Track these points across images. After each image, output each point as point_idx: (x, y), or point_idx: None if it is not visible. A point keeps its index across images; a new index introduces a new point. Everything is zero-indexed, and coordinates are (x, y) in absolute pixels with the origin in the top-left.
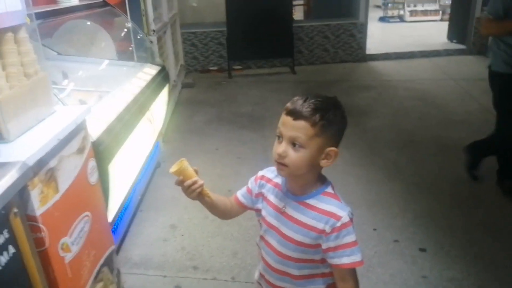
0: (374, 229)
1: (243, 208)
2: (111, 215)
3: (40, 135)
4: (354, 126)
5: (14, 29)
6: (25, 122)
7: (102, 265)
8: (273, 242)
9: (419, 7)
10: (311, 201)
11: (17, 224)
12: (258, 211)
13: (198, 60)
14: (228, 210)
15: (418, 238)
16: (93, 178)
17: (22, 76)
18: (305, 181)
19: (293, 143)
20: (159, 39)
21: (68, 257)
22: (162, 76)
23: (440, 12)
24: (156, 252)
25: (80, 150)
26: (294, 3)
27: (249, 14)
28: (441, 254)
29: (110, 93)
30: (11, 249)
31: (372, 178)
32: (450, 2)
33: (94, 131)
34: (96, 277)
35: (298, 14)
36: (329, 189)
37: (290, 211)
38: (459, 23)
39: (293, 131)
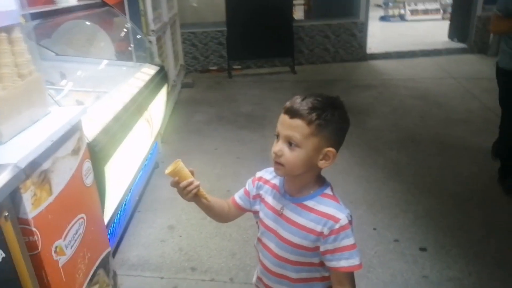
0: (374, 229)
1: (240, 210)
2: (107, 217)
3: (33, 136)
4: (354, 125)
5: (8, 29)
6: (19, 123)
7: (98, 268)
8: (270, 245)
9: (420, 6)
10: (309, 203)
11: (8, 228)
12: (256, 213)
13: (198, 60)
14: (226, 212)
15: (419, 237)
16: (89, 179)
17: (16, 77)
18: (303, 182)
19: (289, 142)
20: (159, 39)
21: (62, 260)
22: (161, 76)
23: (441, 11)
24: (153, 253)
25: (75, 151)
26: (295, 2)
27: (249, 14)
28: (442, 254)
29: (108, 93)
30: (1, 254)
31: (373, 177)
32: (451, 1)
33: (90, 132)
34: (91, 280)
35: (298, 13)
36: (328, 191)
37: (288, 213)
38: (460, 22)
39: (289, 130)
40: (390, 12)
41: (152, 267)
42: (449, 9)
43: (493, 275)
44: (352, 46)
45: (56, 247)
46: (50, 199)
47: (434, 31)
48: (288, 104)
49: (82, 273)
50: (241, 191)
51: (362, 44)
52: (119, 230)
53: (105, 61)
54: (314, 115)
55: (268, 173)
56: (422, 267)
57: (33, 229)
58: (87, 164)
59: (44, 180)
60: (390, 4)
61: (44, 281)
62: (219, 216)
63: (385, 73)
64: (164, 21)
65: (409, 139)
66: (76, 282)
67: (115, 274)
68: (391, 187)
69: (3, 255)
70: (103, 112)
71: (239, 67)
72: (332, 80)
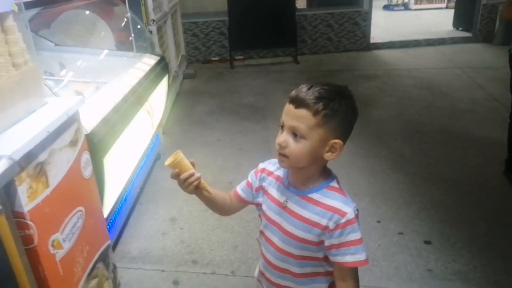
0: (378, 221)
1: (243, 203)
2: (107, 209)
3: (29, 127)
4: (358, 116)
5: (0, 17)
6: (14, 114)
7: (97, 261)
8: (273, 238)
9: None
10: (315, 196)
11: (2, 222)
12: (259, 206)
13: (200, 50)
14: (228, 205)
15: (423, 230)
16: (87, 171)
17: (11, 67)
18: (308, 174)
19: (294, 133)
20: (159, 29)
21: (60, 254)
22: (161, 67)
23: None
24: (154, 246)
25: (73, 143)
26: None
27: (251, 3)
28: (447, 247)
29: (107, 84)
30: None
31: (377, 169)
32: None
33: (89, 123)
34: (90, 274)
35: (300, 2)
36: (334, 184)
37: (292, 206)
38: (465, 10)
39: (294, 120)
40: (394, 1)
41: (153, 259)
42: None
43: (499, 269)
44: (356, 36)
45: (53, 241)
46: (47, 191)
47: (439, 20)
48: (293, 93)
49: (81, 267)
50: (243, 183)
51: (366, 33)
52: (119, 223)
53: (105, 51)
54: (320, 105)
55: (271, 165)
56: (427, 261)
57: (29, 222)
58: (86, 156)
59: (41, 172)
60: None
61: (41, 275)
62: (221, 208)
63: (389, 63)
64: (165, 10)
65: (413, 129)
66: (75, 276)
67: (115, 267)
68: (395, 178)
69: None
70: (102, 103)
71: (241, 57)
72: (335, 70)
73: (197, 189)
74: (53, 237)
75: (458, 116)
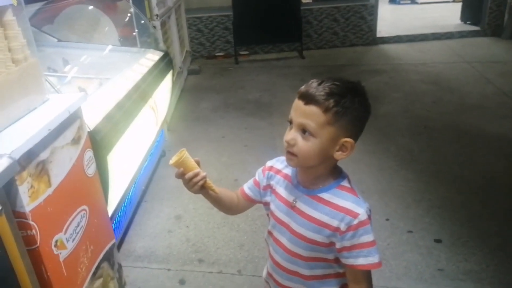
0: (387, 220)
1: (250, 202)
2: (111, 208)
3: (29, 125)
4: None
5: None
6: (14, 111)
7: (102, 261)
8: (282, 239)
9: None
10: (325, 195)
11: (2, 223)
12: (267, 205)
13: (204, 46)
14: (235, 204)
15: (433, 228)
16: (91, 169)
17: (10, 63)
18: (317, 173)
19: (303, 131)
20: (163, 25)
21: (63, 254)
22: (166, 62)
23: None
24: (160, 244)
25: (75, 141)
26: None
27: None
28: (458, 245)
29: (111, 80)
30: None
31: (385, 166)
32: None
33: (92, 120)
34: (95, 274)
35: None
36: (345, 183)
37: (301, 206)
38: (473, 3)
39: (303, 117)
40: None
41: (159, 258)
42: None
43: None
44: (362, 30)
45: (56, 241)
46: (49, 191)
47: (446, 13)
48: (303, 88)
49: (85, 267)
50: (251, 182)
51: (372, 27)
52: (124, 221)
53: (108, 47)
54: (331, 102)
55: (279, 163)
56: (437, 260)
57: (31, 222)
58: (89, 154)
59: (42, 171)
60: None
61: (44, 276)
62: (228, 208)
63: (395, 58)
64: (169, 5)
65: (421, 125)
66: (79, 276)
67: (120, 267)
68: (404, 175)
69: None
70: (106, 99)
71: (246, 52)
72: (341, 65)
73: (202, 189)
74: (56, 237)
75: (467, 112)
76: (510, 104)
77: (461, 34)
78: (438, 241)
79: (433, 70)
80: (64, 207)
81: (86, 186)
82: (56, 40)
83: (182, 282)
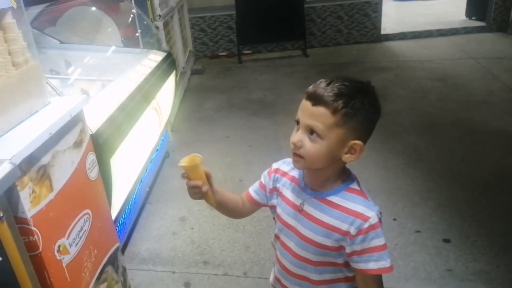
0: (394, 219)
1: (256, 205)
2: (115, 211)
3: (30, 129)
4: None
5: None
6: (15, 115)
7: (106, 265)
8: (289, 243)
9: None
10: (334, 198)
11: (4, 229)
12: (273, 208)
13: (207, 45)
14: (240, 209)
15: (442, 228)
16: (93, 173)
17: (10, 66)
18: (324, 176)
19: (311, 132)
20: (166, 25)
21: (66, 259)
22: (168, 63)
23: None
24: (165, 247)
25: (78, 144)
26: None
27: None
28: (467, 245)
29: (113, 81)
30: None
31: (391, 164)
32: None
33: (94, 122)
34: (99, 278)
35: None
36: (355, 185)
37: (309, 209)
38: None
39: (311, 118)
40: None
41: (164, 261)
42: None
43: None
44: (366, 27)
45: (59, 246)
46: (51, 195)
47: (451, 9)
48: (311, 88)
49: (89, 272)
50: (256, 185)
51: (377, 24)
52: (128, 224)
53: (111, 48)
54: (340, 103)
55: (285, 165)
56: (446, 260)
57: (33, 228)
58: (91, 157)
59: (44, 175)
60: None
61: (47, 282)
62: (233, 212)
63: (400, 55)
64: (171, 5)
65: (428, 123)
66: (82, 281)
67: (124, 270)
68: (411, 174)
69: (0, 258)
70: (108, 101)
71: (249, 51)
72: (346, 63)
73: (202, 197)
74: (59, 242)
75: (474, 108)
76: None
77: (466, 30)
78: (446, 240)
79: (438, 67)
80: (66, 212)
81: (89, 189)
82: (58, 42)
83: (187, 285)
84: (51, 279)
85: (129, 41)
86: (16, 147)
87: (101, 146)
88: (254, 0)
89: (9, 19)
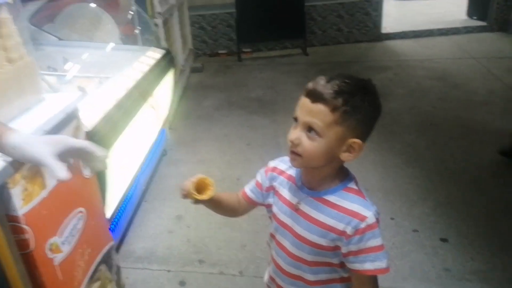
0: (392, 218)
1: (252, 204)
2: (110, 209)
3: (24, 126)
4: None
5: None
6: (8, 112)
7: (99, 264)
8: (285, 243)
9: None
10: (331, 198)
11: None
12: (269, 207)
13: (207, 43)
14: (236, 208)
15: (439, 227)
16: (88, 171)
17: (5, 62)
18: (322, 175)
19: (309, 130)
20: (165, 22)
21: (58, 258)
22: (167, 61)
23: None
24: (160, 245)
25: None
26: None
27: None
28: (465, 245)
29: (110, 78)
30: None
31: (389, 163)
32: None
33: (90, 120)
34: (92, 277)
35: None
36: (352, 185)
37: (305, 208)
38: None
39: (310, 116)
40: None
41: (159, 259)
42: None
43: None
44: (367, 26)
45: (51, 245)
46: (44, 193)
47: (452, 8)
48: (310, 85)
49: (82, 270)
50: (252, 183)
51: (377, 23)
52: (123, 222)
53: (110, 46)
54: (340, 101)
55: (283, 163)
56: (444, 259)
57: (24, 226)
58: None
59: (36, 173)
60: None
61: (38, 281)
62: (229, 212)
63: (401, 54)
64: (171, 3)
65: (427, 122)
66: (75, 280)
67: (118, 269)
68: (409, 173)
69: None
70: (105, 98)
71: (249, 50)
72: (346, 62)
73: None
74: (51, 240)
75: (474, 108)
76: None
77: (467, 30)
78: (444, 240)
79: (439, 66)
80: (59, 210)
81: (83, 187)
82: (57, 39)
83: (182, 283)
84: (43, 278)
85: (128, 39)
86: None
87: (97, 144)
88: None
89: (4, 15)
